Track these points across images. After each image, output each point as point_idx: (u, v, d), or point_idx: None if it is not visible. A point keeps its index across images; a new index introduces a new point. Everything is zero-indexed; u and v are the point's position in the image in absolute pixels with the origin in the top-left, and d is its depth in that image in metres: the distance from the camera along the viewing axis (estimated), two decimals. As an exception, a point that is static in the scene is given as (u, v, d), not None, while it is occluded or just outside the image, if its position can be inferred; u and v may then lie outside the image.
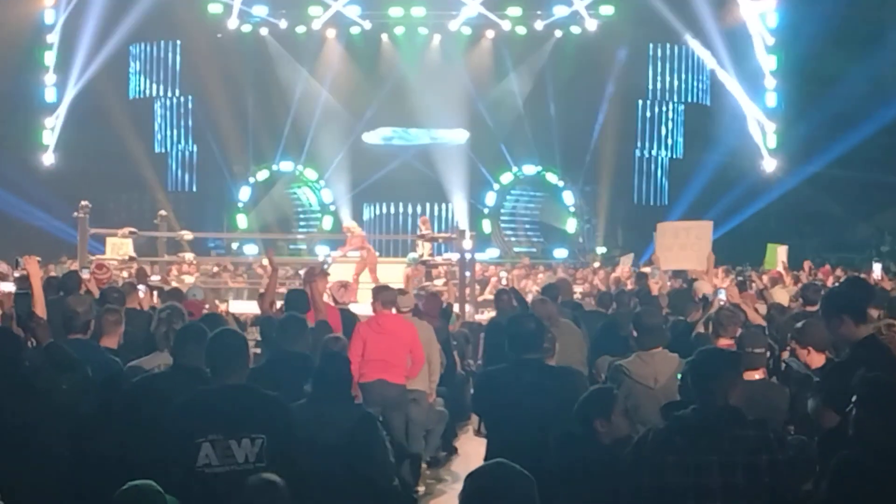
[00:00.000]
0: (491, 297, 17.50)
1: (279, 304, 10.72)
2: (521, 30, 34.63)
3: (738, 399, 5.28)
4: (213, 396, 5.60)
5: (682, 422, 5.16)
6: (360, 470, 6.18)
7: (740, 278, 17.42)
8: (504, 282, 20.61)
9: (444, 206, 34.60)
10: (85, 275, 13.84)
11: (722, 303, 9.98)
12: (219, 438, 5.40)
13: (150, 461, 5.31)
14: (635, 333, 7.83)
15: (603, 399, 5.87)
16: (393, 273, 18.99)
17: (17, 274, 12.17)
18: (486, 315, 17.66)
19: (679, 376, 6.51)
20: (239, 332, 5.97)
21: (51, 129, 32.76)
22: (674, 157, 36.24)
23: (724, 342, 8.10)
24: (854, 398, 4.88)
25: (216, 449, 5.40)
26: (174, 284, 17.09)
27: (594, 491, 5.31)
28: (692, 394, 5.35)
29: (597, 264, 29.46)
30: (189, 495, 5.05)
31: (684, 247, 13.39)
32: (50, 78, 32.81)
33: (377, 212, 35.39)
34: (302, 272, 16.98)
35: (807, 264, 20.21)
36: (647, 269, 20.71)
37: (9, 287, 10.00)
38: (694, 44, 33.83)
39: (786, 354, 9.84)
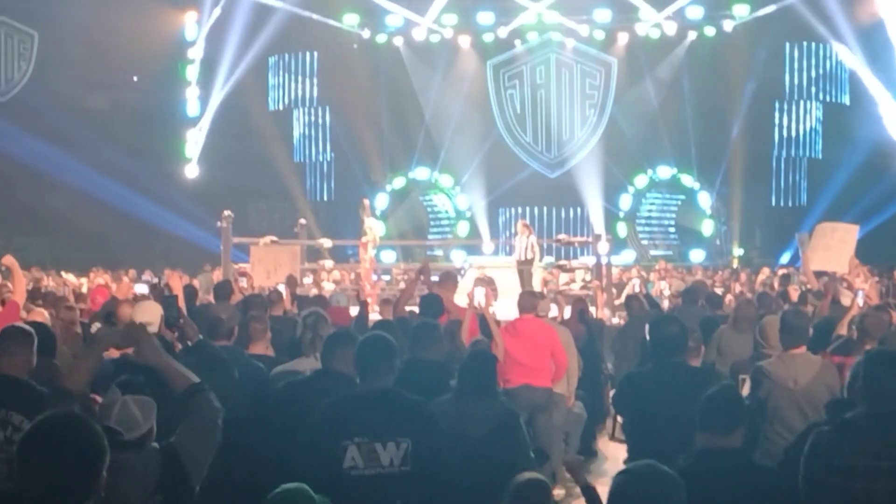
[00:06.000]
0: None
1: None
2: (655, 33, 34.29)
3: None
4: (360, 400, 5.70)
5: (850, 425, 4.98)
6: (503, 463, 6.12)
7: (888, 281, 17.04)
8: (637, 287, 20.59)
9: (578, 209, 34.50)
10: (243, 283, 14.18)
11: (860, 305, 9.82)
12: (364, 441, 5.48)
13: (297, 464, 5.43)
14: (779, 334, 7.80)
15: None
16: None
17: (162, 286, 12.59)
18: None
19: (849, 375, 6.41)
20: (390, 337, 6.01)
21: (194, 142, 33.68)
22: (812, 157, 35.53)
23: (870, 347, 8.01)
24: None
25: (362, 452, 5.47)
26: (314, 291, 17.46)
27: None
28: (860, 396, 5.17)
29: (735, 266, 29.14)
30: (336, 498, 5.06)
31: (828, 248, 13.09)
32: (192, 91, 33.72)
33: (512, 216, 35.42)
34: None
35: None
36: (784, 271, 20.48)
37: (141, 289, 10.33)
38: (838, 47, 33.16)
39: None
